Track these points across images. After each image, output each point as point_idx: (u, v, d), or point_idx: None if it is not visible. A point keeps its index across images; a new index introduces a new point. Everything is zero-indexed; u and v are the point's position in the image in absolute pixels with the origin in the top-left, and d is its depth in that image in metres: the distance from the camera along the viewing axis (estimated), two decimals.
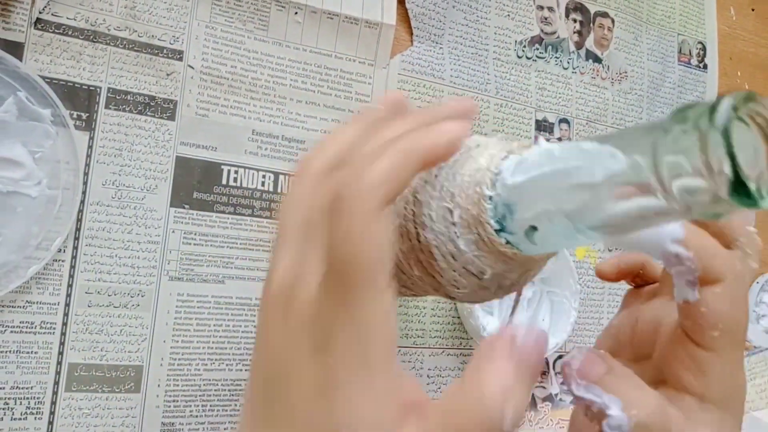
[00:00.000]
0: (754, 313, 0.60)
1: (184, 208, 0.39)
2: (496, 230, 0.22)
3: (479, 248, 0.23)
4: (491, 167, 0.23)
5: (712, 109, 0.16)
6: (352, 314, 0.19)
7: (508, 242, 0.22)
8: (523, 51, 0.51)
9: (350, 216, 0.18)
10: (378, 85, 0.45)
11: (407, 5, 0.45)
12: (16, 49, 0.35)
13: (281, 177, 0.42)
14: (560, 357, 0.50)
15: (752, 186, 0.16)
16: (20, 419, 0.34)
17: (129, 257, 0.37)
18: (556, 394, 0.48)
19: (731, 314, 0.23)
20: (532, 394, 0.48)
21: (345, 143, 0.22)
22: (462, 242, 0.23)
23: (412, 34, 0.46)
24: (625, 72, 0.56)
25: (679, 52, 0.59)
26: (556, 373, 0.49)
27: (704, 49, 0.61)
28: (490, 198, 0.22)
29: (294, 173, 0.22)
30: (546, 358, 0.49)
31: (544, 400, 0.48)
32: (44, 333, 0.35)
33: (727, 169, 0.16)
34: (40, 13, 0.36)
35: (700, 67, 0.60)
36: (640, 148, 0.18)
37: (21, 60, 0.35)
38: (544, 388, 0.48)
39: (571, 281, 0.46)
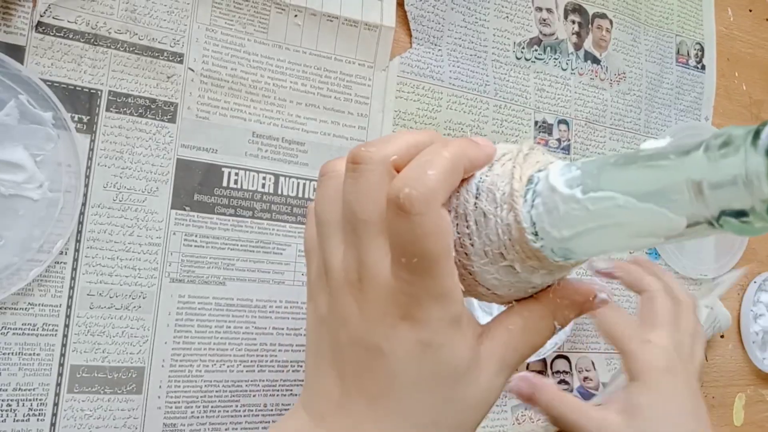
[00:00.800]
0: (752, 312, 0.61)
1: (185, 210, 0.39)
2: (532, 237, 0.23)
3: (515, 257, 0.24)
4: (521, 194, 0.24)
5: (756, 133, 0.17)
6: (434, 288, 0.22)
7: (542, 246, 0.23)
8: (522, 52, 0.51)
9: (421, 221, 0.22)
10: (377, 87, 0.45)
11: (406, 8, 0.46)
12: (17, 52, 0.35)
13: (282, 179, 0.42)
14: (558, 357, 0.50)
15: None
16: (23, 421, 0.34)
17: (130, 259, 0.37)
18: None
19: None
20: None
21: (404, 144, 0.25)
22: (478, 208, 0.24)
23: (411, 36, 0.46)
24: (624, 73, 0.56)
25: (677, 53, 0.59)
26: (553, 372, 0.49)
27: (702, 49, 0.61)
28: (533, 228, 0.23)
29: (353, 159, 0.24)
30: (544, 359, 0.49)
31: None
32: (46, 335, 0.35)
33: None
34: (41, 16, 0.36)
35: (698, 68, 0.60)
36: (684, 187, 0.19)
37: (22, 63, 0.35)
38: None
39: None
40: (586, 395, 0.50)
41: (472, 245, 0.24)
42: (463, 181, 0.24)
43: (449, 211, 0.25)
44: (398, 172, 0.24)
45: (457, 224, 0.25)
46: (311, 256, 0.27)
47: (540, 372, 0.49)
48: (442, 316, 0.23)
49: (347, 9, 0.43)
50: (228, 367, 0.39)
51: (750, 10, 0.65)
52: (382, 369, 0.23)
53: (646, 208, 0.20)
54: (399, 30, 0.46)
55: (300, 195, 0.42)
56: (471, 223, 0.24)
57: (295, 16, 0.42)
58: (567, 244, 0.23)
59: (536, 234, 0.23)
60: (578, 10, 0.54)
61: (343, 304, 0.25)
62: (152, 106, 0.39)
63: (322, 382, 0.26)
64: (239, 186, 0.41)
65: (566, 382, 0.50)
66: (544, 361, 0.50)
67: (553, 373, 0.50)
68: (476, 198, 0.24)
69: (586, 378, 0.50)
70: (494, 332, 0.25)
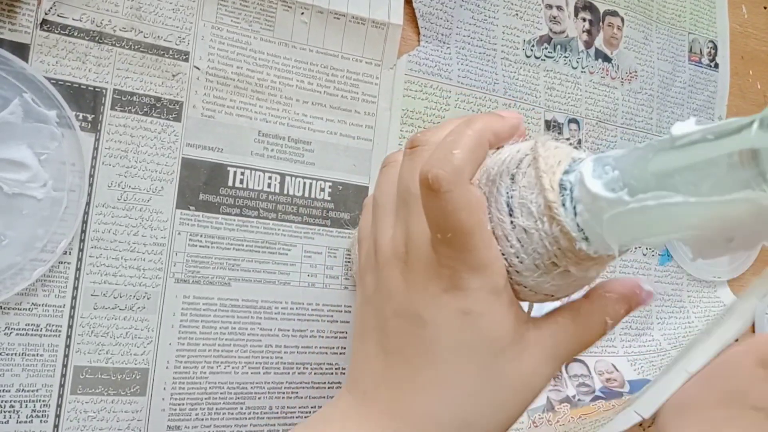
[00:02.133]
0: (766, 316, 0.59)
1: (190, 209, 0.38)
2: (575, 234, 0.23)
3: (557, 251, 0.24)
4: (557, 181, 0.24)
5: None
6: (472, 260, 0.24)
7: (585, 240, 0.23)
8: (532, 50, 0.50)
9: (451, 194, 0.23)
10: (385, 85, 0.44)
11: (414, 5, 0.45)
12: (21, 50, 0.35)
13: (288, 178, 0.41)
14: (574, 361, 0.49)
15: None
16: (26, 422, 0.34)
17: (135, 259, 0.37)
18: (574, 396, 0.47)
19: None
20: (548, 397, 0.47)
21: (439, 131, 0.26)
22: (517, 226, 0.24)
23: (419, 34, 0.46)
24: (635, 71, 0.55)
25: (690, 51, 0.58)
26: (570, 376, 0.49)
27: (715, 48, 0.60)
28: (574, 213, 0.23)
29: (410, 144, 0.27)
30: None
31: (561, 402, 0.47)
32: (50, 335, 0.35)
33: None
34: (45, 14, 0.36)
35: (711, 66, 0.59)
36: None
37: (27, 61, 0.35)
38: (559, 391, 0.48)
39: None
40: (610, 394, 0.48)
41: (521, 262, 0.24)
42: (489, 201, 0.25)
43: None
44: None
45: (500, 247, 0.24)
46: (363, 243, 0.29)
47: (555, 376, 0.48)
48: (481, 286, 0.24)
49: (354, 6, 0.43)
50: (233, 368, 0.38)
51: (765, 7, 0.64)
52: (425, 338, 0.24)
53: (703, 202, 0.20)
54: (407, 28, 0.45)
55: (306, 195, 0.42)
56: (514, 242, 0.24)
57: (302, 13, 0.42)
58: (626, 238, 0.23)
59: (587, 239, 0.23)
60: (589, 7, 0.53)
61: (389, 278, 0.26)
62: (157, 105, 0.38)
63: (365, 361, 0.27)
64: (245, 185, 0.40)
65: (586, 385, 0.49)
66: None
67: (570, 376, 0.49)
68: (511, 216, 0.24)
69: (609, 379, 0.49)
70: (542, 322, 0.26)
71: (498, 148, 0.27)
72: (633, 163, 0.22)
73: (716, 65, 0.60)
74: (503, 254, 0.25)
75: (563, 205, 0.23)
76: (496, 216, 0.24)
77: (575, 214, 0.23)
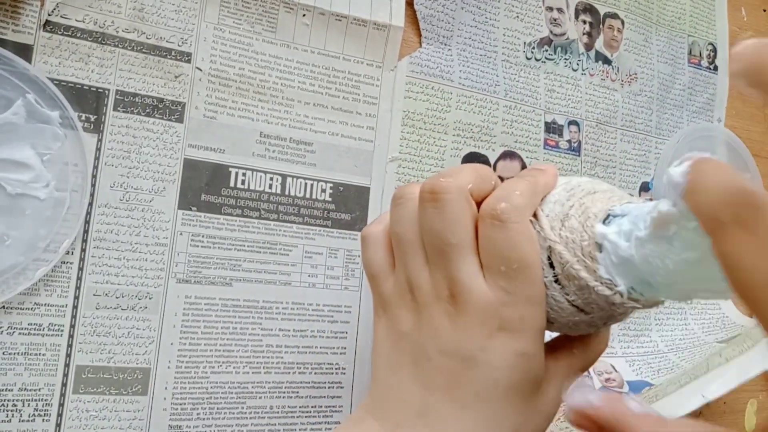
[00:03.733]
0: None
1: (191, 210, 0.39)
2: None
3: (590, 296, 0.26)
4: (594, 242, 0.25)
5: None
6: (533, 292, 0.25)
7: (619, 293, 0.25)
8: (532, 52, 0.51)
9: (517, 225, 0.25)
10: (386, 87, 0.45)
11: (416, 7, 0.45)
12: (25, 51, 0.35)
13: (289, 179, 0.42)
14: None
15: None
16: (28, 421, 0.34)
17: (137, 259, 0.37)
18: None
19: None
20: None
21: (474, 174, 0.28)
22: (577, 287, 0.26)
23: (420, 36, 0.46)
24: (635, 74, 0.55)
25: (689, 53, 0.59)
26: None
27: (715, 50, 0.60)
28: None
29: (431, 190, 0.27)
30: None
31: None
32: (52, 335, 0.35)
33: None
34: (49, 15, 0.36)
35: (710, 68, 0.60)
36: None
37: (30, 62, 0.35)
38: None
39: None
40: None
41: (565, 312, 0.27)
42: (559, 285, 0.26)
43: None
44: (474, 199, 0.27)
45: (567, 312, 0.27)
46: (381, 277, 0.30)
47: None
48: (535, 326, 0.25)
49: (356, 8, 0.43)
50: (234, 368, 0.38)
51: (764, 10, 0.65)
52: (474, 378, 0.25)
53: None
54: (408, 30, 0.45)
55: (308, 195, 0.42)
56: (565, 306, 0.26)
57: (304, 15, 0.42)
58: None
59: (636, 300, 0.25)
60: (589, 9, 0.54)
61: (433, 318, 0.27)
62: (160, 106, 0.38)
63: (399, 393, 0.27)
64: (246, 186, 0.40)
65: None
66: None
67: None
68: (563, 292, 0.26)
69: (608, 379, 0.50)
70: (559, 355, 0.28)
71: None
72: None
73: (716, 68, 0.60)
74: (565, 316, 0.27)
75: (604, 283, 0.25)
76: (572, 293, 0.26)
77: (620, 284, 0.25)
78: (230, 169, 0.40)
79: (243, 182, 0.40)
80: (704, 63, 0.59)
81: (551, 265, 0.26)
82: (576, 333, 0.29)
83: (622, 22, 0.55)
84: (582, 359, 0.29)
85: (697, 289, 0.23)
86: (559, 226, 0.26)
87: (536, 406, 0.27)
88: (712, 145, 0.59)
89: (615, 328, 0.52)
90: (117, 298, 0.36)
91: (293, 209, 0.41)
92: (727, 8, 0.61)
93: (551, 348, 0.29)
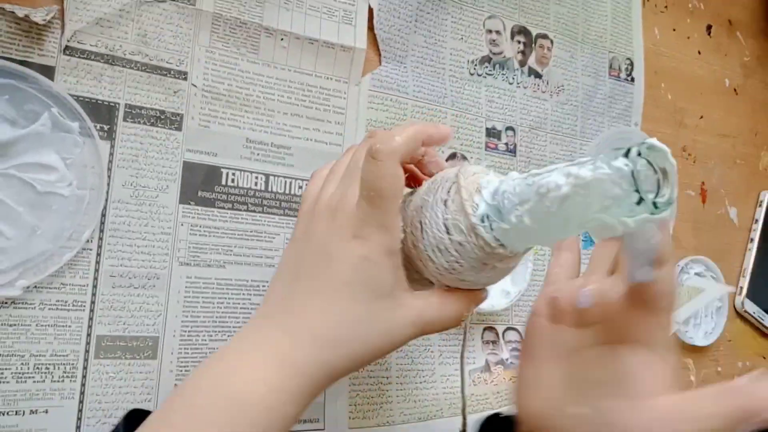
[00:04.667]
0: None
1: (190, 204, 0.46)
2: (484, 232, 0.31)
3: (469, 247, 0.32)
4: (473, 198, 0.32)
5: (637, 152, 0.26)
6: (379, 219, 0.31)
7: (496, 241, 0.31)
8: (475, 69, 0.59)
9: (382, 164, 0.31)
10: (352, 99, 0.53)
11: (376, 32, 0.53)
12: (48, 71, 0.42)
13: (271, 178, 0.49)
14: (509, 329, 0.59)
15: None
16: (59, 381, 0.41)
17: (146, 246, 0.44)
18: (507, 359, 0.57)
19: (672, 289, 0.32)
20: (486, 360, 0.56)
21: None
22: (453, 241, 0.32)
23: (380, 55, 0.54)
24: (562, 86, 0.65)
25: (610, 67, 0.69)
26: (505, 342, 0.58)
27: (632, 64, 0.70)
28: (483, 219, 0.32)
29: (369, 134, 0.37)
30: (495, 329, 0.58)
31: (496, 364, 0.56)
32: (76, 310, 0.42)
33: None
34: (68, 41, 0.42)
35: (628, 80, 0.70)
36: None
37: (53, 80, 0.42)
38: (495, 354, 0.57)
39: None
40: None
41: (461, 266, 0.33)
42: (430, 222, 0.33)
43: (433, 249, 0.33)
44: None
45: (444, 257, 0.32)
46: (305, 201, 0.36)
47: (494, 342, 0.58)
48: (380, 242, 0.31)
49: (325, 33, 0.51)
50: (228, 336, 0.46)
51: (674, 29, 0.75)
52: (329, 271, 0.32)
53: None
54: (370, 50, 0.54)
55: (287, 192, 0.50)
56: (453, 252, 0.32)
57: (282, 39, 0.50)
58: (529, 245, 0.32)
59: (503, 245, 0.31)
60: (523, 31, 0.63)
61: (317, 224, 0.34)
62: (162, 117, 0.45)
63: (275, 291, 0.34)
64: (236, 184, 0.48)
65: (518, 350, 0.58)
66: (497, 332, 0.58)
67: (505, 342, 0.58)
68: (448, 234, 0.32)
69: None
70: (419, 295, 0.34)
71: (431, 175, 0.36)
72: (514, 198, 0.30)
73: (632, 79, 0.70)
74: (447, 263, 0.33)
75: (483, 226, 0.31)
76: (437, 234, 0.32)
77: (491, 228, 0.31)
78: (222, 169, 0.47)
79: (233, 181, 0.48)
80: (623, 75, 0.69)
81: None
82: (451, 281, 0.34)
83: (552, 42, 0.64)
84: (436, 309, 0.33)
85: (540, 240, 0.31)
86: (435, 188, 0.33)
87: (375, 315, 0.31)
88: (629, 145, 0.69)
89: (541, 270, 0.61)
90: (130, 278, 0.43)
91: (275, 203, 0.49)
92: (642, 28, 0.72)
93: (414, 293, 0.33)
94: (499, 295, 0.57)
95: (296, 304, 0.32)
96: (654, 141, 0.26)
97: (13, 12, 0.40)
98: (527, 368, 0.36)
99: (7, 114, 0.40)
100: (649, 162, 0.26)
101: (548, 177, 0.28)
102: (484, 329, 0.58)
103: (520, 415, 0.35)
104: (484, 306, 0.55)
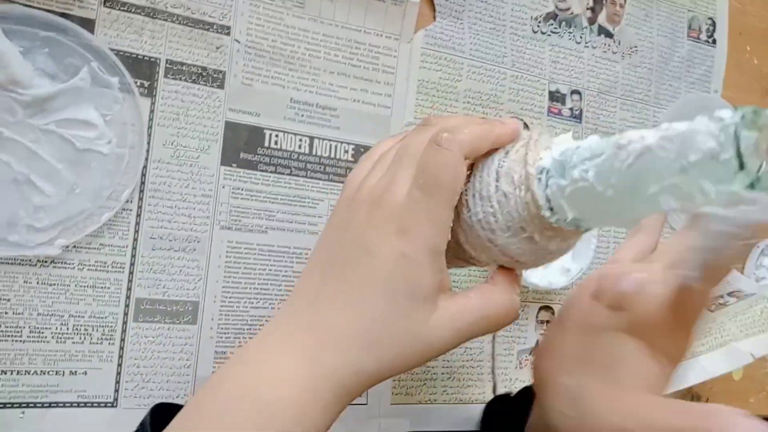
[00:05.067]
0: (753, 275, 0.64)
1: (232, 166, 0.44)
2: (546, 211, 0.28)
3: (529, 225, 0.28)
4: (535, 164, 0.28)
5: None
6: (431, 211, 0.28)
7: (556, 220, 0.28)
8: (539, 26, 0.55)
9: (448, 152, 0.28)
10: (403, 57, 0.49)
11: None
12: (89, 24, 0.40)
13: (316, 141, 0.47)
14: (543, 308, 0.54)
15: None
16: (97, 343, 0.40)
17: (186, 208, 0.42)
18: None
19: (701, 305, 0.31)
20: (537, 341, 0.52)
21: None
22: (499, 190, 0.29)
23: (434, 10, 0.50)
24: (635, 46, 0.59)
25: (689, 27, 0.62)
26: (538, 322, 0.54)
27: (714, 24, 0.64)
28: (546, 190, 0.28)
29: (424, 122, 0.32)
30: (552, 308, 0.54)
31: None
32: (115, 271, 0.41)
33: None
34: None
35: (709, 42, 0.63)
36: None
37: (93, 34, 0.40)
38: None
39: None
40: None
41: (496, 221, 0.29)
42: (483, 166, 0.29)
43: (474, 195, 0.29)
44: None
45: (482, 205, 0.29)
46: (348, 186, 0.33)
47: (548, 321, 0.54)
48: (426, 239, 0.28)
49: None
50: (270, 304, 0.44)
51: None
52: (364, 265, 0.28)
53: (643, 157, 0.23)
54: (423, 5, 0.50)
55: (332, 156, 0.47)
56: (494, 203, 0.29)
57: None
58: (580, 215, 0.27)
59: (552, 209, 0.27)
60: None
61: (356, 212, 0.30)
62: (203, 74, 0.43)
63: (307, 282, 0.31)
64: (279, 146, 0.45)
65: None
66: (554, 312, 0.54)
67: (537, 322, 0.54)
68: (497, 181, 0.29)
69: None
70: (457, 296, 0.30)
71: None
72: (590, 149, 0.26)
73: (714, 41, 0.64)
74: (483, 214, 0.29)
75: (539, 179, 0.27)
76: (486, 180, 0.29)
77: (547, 186, 0.27)
78: (265, 131, 0.45)
79: (276, 143, 0.45)
80: (703, 37, 0.63)
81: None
82: (478, 240, 0.30)
83: None
84: (477, 305, 0.30)
85: (619, 219, 0.27)
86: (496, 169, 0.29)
87: (410, 318, 0.28)
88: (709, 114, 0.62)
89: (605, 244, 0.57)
90: (170, 241, 0.42)
91: (320, 167, 0.46)
92: None
93: (455, 294, 0.30)
94: (558, 272, 0.53)
95: (326, 299, 0.29)
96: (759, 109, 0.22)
97: None
98: (553, 333, 0.36)
99: (47, 68, 0.39)
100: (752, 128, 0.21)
101: (639, 131, 0.24)
102: (540, 308, 0.54)
103: (533, 375, 0.36)
104: (542, 283, 0.51)
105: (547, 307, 0.54)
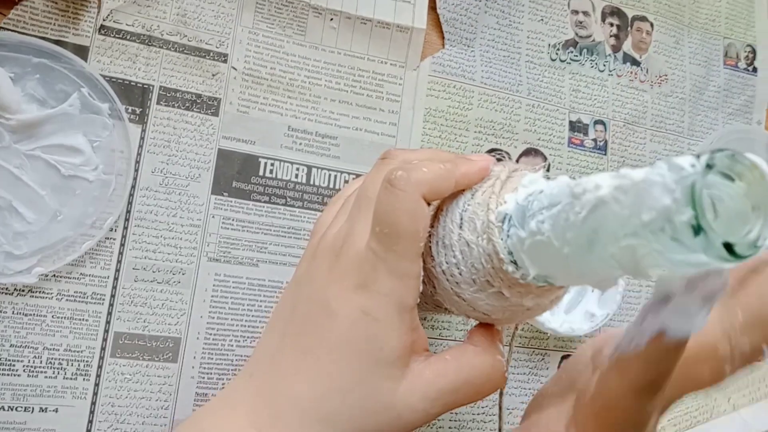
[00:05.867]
0: None
1: (223, 195, 0.42)
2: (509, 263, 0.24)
3: (494, 282, 0.25)
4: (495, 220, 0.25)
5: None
6: (393, 263, 0.25)
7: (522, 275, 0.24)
8: (557, 54, 0.52)
9: (402, 194, 0.24)
10: (408, 85, 0.47)
11: (439, 11, 0.48)
12: (82, 51, 0.40)
13: (314, 170, 0.44)
14: (565, 357, 0.49)
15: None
16: (71, 379, 0.38)
17: (173, 238, 0.41)
18: None
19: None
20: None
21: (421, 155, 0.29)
22: (462, 238, 0.25)
23: (443, 38, 0.48)
24: (665, 75, 0.55)
25: (725, 55, 0.58)
26: None
27: (754, 51, 0.59)
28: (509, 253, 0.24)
29: (382, 156, 0.29)
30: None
31: None
32: (94, 303, 0.39)
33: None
34: (104, 20, 0.41)
35: (748, 70, 0.59)
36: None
37: (86, 61, 0.40)
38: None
39: None
40: None
41: (461, 274, 0.26)
42: (447, 210, 0.26)
43: (437, 242, 0.26)
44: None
45: (445, 254, 0.26)
46: (315, 235, 0.30)
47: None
48: (389, 294, 0.25)
49: (380, 12, 0.46)
50: (257, 343, 0.41)
51: None
52: (323, 327, 0.25)
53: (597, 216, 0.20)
54: (431, 32, 0.48)
55: (331, 186, 0.44)
56: (457, 253, 0.26)
57: (331, 19, 0.45)
58: (543, 272, 0.23)
59: (515, 263, 0.24)
60: (617, 13, 0.54)
61: (318, 266, 0.27)
62: (198, 101, 0.42)
63: (265, 345, 0.28)
64: (274, 175, 0.43)
65: None
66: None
67: None
68: (460, 228, 0.26)
69: None
70: (432, 358, 0.26)
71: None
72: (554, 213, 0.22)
73: (755, 69, 0.59)
74: (447, 264, 0.26)
75: (500, 228, 0.24)
76: (449, 226, 0.26)
77: (508, 236, 0.24)
78: (260, 159, 0.43)
79: (271, 171, 0.43)
80: (742, 65, 0.59)
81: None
82: (446, 295, 0.27)
83: (651, 25, 0.55)
84: (453, 369, 0.26)
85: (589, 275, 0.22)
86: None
87: (376, 386, 0.25)
88: (751, 146, 0.57)
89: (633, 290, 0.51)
90: (153, 272, 0.40)
91: (317, 198, 0.44)
92: (767, 9, 0.60)
93: (431, 355, 0.27)
94: (581, 318, 0.48)
95: (282, 364, 0.26)
96: (746, 154, 0.17)
97: None
98: (548, 385, 0.30)
99: (37, 93, 0.39)
100: (728, 177, 0.17)
101: (596, 177, 0.20)
102: (563, 357, 0.49)
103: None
104: (562, 329, 0.46)
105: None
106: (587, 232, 0.20)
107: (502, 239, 0.24)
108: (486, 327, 0.28)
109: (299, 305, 0.27)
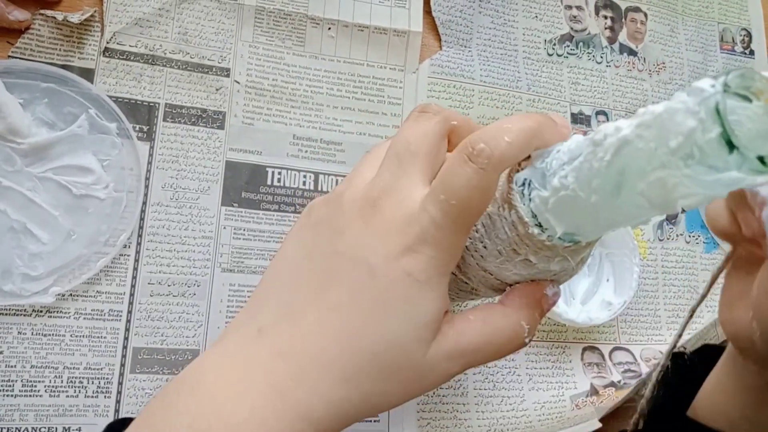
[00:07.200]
0: None
1: (233, 206, 0.42)
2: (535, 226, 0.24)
3: (522, 244, 0.25)
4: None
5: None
6: (448, 237, 0.24)
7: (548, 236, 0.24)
8: (554, 49, 0.52)
9: (482, 175, 0.23)
10: (409, 88, 0.47)
11: (434, 14, 0.48)
12: (88, 74, 0.41)
13: (321, 176, 0.45)
14: (616, 349, 0.49)
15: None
16: (92, 397, 0.38)
17: (186, 251, 0.41)
18: (619, 381, 0.47)
19: None
20: (592, 384, 0.47)
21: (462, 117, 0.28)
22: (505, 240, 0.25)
23: (440, 39, 0.49)
24: (663, 63, 0.56)
25: (721, 40, 0.58)
26: (614, 364, 0.48)
27: (749, 35, 0.60)
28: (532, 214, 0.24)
29: (421, 109, 0.27)
30: (598, 348, 0.48)
31: (606, 387, 0.46)
32: (112, 320, 0.39)
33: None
34: (107, 43, 0.41)
35: (745, 53, 0.59)
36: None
37: (92, 83, 0.41)
38: (603, 377, 0.47)
39: (628, 238, 0.47)
40: None
41: (485, 247, 0.26)
42: None
43: None
44: (450, 135, 0.27)
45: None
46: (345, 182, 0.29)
47: (598, 365, 0.48)
48: (438, 263, 0.24)
49: (376, 18, 0.47)
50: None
51: None
52: (357, 280, 0.24)
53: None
54: (427, 34, 0.49)
55: None
56: (479, 227, 0.26)
57: (329, 28, 0.46)
58: (570, 228, 0.23)
59: (540, 225, 0.24)
60: (609, 5, 0.55)
61: (347, 215, 0.25)
62: (203, 116, 0.43)
63: (273, 292, 0.26)
64: (282, 184, 0.44)
65: (632, 371, 0.48)
66: (601, 353, 0.48)
67: (614, 364, 0.48)
68: None
69: (656, 365, 0.48)
70: (455, 319, 0.26)
71: None
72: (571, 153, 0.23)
73: (752, 52, 0.59)
74: (470, 239, 0.26)
75: (522, 193, 0.24)
76: None
77: (530, 200, 0.24)
78: (267, 168, 0.44)
79: (279, 180, 0.44)
80: (738, 48, 0.59)
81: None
82: (475, 272, 0.27)
83: (645, 15, 0.56)
84: (478, 330, 0.26)
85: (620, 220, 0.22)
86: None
87: (413, 345, 0.24)
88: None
89: (666, 317, 0.51)
90: (169, 285, 0.40)
91: None
92: None
93: (453, 316, 0.26)
94: (598, 307, 0.48)
95: (303, 320, 0.24)
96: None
97: (54, 17, 0.40)
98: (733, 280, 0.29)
99: (46, 117, 0.39)
100: (745, 98, 0.18)
101: (614, 123, 0.21)
102: (584, 349, 0.48)
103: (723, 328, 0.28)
104: (579, 319, 0.46)
105: (592, 348, 0.49)
106: (613, 175, 0.20)
107: (524, 204, 0.24)
108: (526, 289, 0.27)
109: (320, 255, 0.26)
